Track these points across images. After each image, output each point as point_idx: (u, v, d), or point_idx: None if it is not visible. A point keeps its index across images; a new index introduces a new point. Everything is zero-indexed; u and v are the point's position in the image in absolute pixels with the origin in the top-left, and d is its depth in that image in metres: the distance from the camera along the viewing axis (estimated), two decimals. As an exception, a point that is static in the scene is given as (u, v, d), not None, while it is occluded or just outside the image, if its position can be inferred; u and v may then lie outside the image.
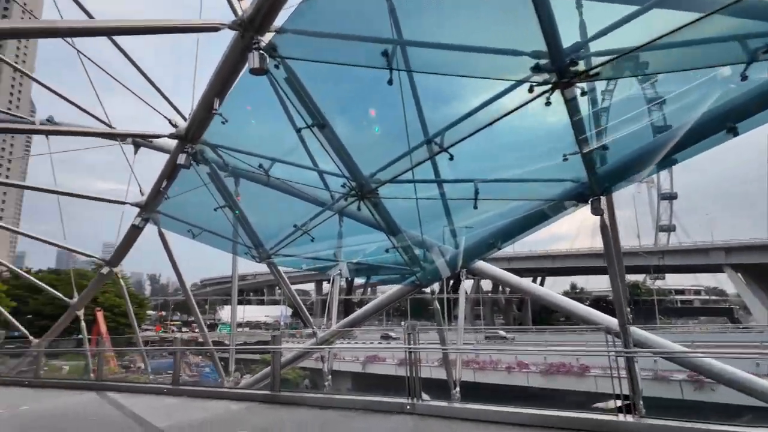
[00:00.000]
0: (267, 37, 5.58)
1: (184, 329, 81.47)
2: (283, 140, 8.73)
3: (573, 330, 35.24)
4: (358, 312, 10.42)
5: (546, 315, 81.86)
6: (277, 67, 5.66)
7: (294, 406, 8.33)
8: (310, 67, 6.35)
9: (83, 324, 17.06)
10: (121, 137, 9.69)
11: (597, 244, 75.91)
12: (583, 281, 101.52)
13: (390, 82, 5.26)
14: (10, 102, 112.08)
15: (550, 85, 4.98)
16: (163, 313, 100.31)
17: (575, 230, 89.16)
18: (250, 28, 5.38)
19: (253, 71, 5.42)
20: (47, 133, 9.64)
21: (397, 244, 8.15)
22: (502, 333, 49.82)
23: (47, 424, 7.99)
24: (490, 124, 5.49)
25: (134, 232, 12.67)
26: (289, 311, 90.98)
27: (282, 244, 9.75)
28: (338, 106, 7.46)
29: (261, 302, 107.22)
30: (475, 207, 6.84)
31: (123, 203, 11.79)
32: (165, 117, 8.72)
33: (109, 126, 10.02)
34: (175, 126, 8.68)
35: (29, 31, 4.07)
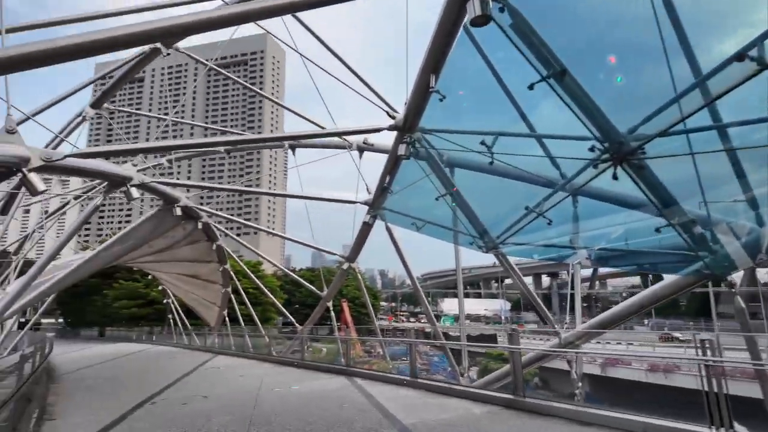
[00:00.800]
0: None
1: (411, 319, 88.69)
2: (500, 117, 7.76)
3: None
4: (616, 309, 8.47)
5: None
6: (501, 10, 4.65)
7: (542, 416, 7.19)
8: (535, 9, 5.16)
9: (332, 313, 19.60)
10: (347, 137, 10.31)
11: None
12: None
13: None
14: (271, 130, 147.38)
15: None
16: (393, 304, 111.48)
17: None
18: (466, -31, 4.53)
19: (475, 21, 4.55)
20: (291, 139, 11.27)
21: (673, 221, 6.09)
22: None
23: (310, 403, 8.91)
24: None
25: (365, 228, 13.68)
26: (508, 305, 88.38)
27: (511, 231, 8.68)
28: (571, 54, 6.02)
29: (478, 295, 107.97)
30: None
31: (354, 203, 12.79)
32: (383, 109, 8.76)
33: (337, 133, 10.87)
34: (392, 117, 8.62)
35: (257, 13, 4.09)
